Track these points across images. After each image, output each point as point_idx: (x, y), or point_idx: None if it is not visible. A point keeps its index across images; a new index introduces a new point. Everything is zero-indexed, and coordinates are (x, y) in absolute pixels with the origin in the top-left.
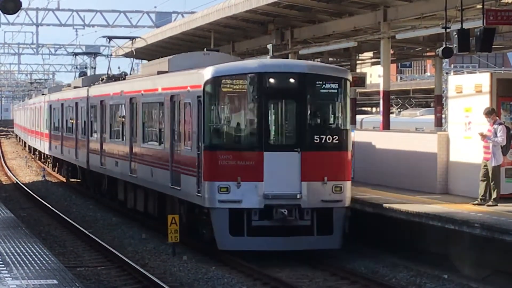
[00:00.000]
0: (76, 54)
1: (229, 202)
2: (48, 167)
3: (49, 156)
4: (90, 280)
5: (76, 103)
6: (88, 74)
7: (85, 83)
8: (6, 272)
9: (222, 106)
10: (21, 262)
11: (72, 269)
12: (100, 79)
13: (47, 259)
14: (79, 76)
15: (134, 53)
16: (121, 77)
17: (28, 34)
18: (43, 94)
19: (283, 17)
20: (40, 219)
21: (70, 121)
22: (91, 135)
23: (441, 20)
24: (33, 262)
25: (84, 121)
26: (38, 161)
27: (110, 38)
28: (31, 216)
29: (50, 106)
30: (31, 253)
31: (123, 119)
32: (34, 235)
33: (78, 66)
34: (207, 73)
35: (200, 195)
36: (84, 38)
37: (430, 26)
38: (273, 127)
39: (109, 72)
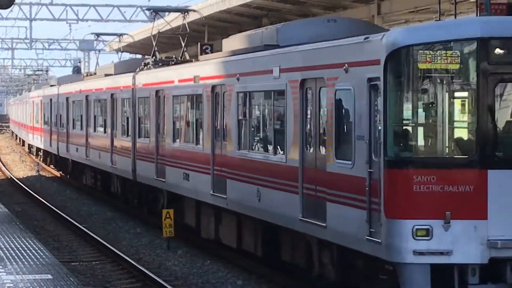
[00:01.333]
0: (97, 35)
1: (432, 253)
2: (59, 172)
3: (59, 157)
4: (85, 274)
5: (112, 95)
6: (82, 69)
7: (120, 70)
8: (1, 267)
9: (418, 95)
10: (16, 257)
11: (67, 263)
12: (143, 64)
13: (42, 254)
14: (73, 71)
15: (188, 30)
16: (171, 61)
17: (22, 29)
18: (51, 86)
19: (277, 11)
20: (35, 214)
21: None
22: (140, 136)
23: (435, 13)
24: (27, 257)
25: (127, 118)
26: (32, 156)
27: (156, 11)
28: (26, 211)
29: (67, 99)
30: (26, 248)
31: (199, 115)
32: (28, 230)
33: (106, 42)
34: (392, 40)
35: (376, 240)
36: (78, 32)
37: (424, 19)
38: (503, 128)
39: (155, 56)
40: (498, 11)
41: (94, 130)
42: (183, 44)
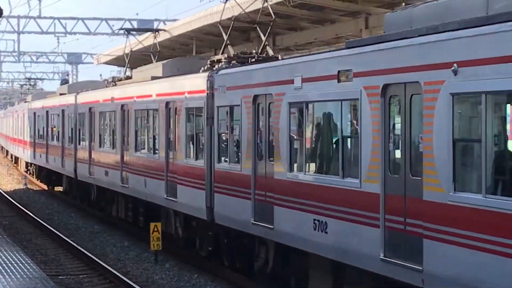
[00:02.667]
0: (128, 31)
1: None
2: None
3: (74, 181)
4: None
5: (167, 103)
6: (70, 81)
7: (172, 71)
8: None
9: None
10: (2, 271)
11: (54, 277)
12: (210, 62)
13: (29, 268)
14: (61, 83)
15: (274, 17)
16: (250, 58)
17: (10, 42)
18: (61, 94)
19: (265, 24)
20: (22, 227)
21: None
22: (221, 161)
23: None
24: (14, 270)
25: (196, 134)
26: (20, 169)
27: None
28: (13, 225)
29: (90, 109)
30: (13, 262)
31: (351, 132)
32: (15, 244)
33: (93, 56)
34: None
35: None
36: (66, 45)
37: None
38: None
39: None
40: None
41: (136, 150)
42: (263, 37)
